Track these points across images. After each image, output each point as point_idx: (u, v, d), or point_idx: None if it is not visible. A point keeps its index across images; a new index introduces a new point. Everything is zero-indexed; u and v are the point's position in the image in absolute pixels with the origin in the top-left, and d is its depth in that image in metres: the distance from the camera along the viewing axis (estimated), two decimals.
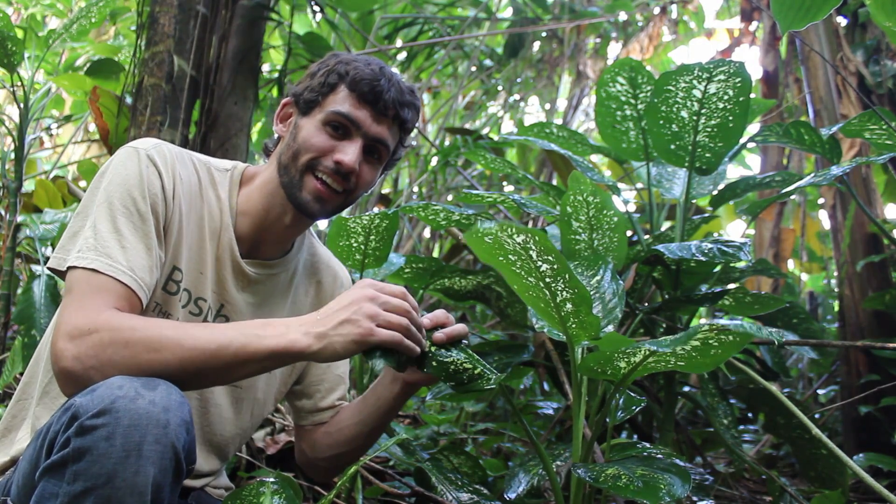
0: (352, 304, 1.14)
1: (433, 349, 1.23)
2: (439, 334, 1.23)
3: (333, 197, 1.32)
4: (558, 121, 5.44)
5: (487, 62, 5.34)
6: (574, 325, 1.28)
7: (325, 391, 1.51)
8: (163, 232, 1.25)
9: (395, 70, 1.37)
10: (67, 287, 1.15)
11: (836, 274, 3.34)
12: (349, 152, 1.30)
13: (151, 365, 1.06)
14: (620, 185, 2.92)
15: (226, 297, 1.35)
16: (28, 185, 3.36)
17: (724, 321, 1.09)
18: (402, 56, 4.85)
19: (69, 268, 1.16)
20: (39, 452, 1.05)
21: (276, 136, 1.43)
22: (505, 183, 5.06)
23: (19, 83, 2.42)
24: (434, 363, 1.23)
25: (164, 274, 1.27)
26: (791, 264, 5.18)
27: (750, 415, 3.20)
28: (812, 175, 2.03)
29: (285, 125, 1.38)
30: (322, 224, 4.68)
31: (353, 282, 1.68)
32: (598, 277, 1.61)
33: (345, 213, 1.73)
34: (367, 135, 1.31)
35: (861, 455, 2.40)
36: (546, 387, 3.08)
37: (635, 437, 2.24)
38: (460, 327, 1.25)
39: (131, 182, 1.21)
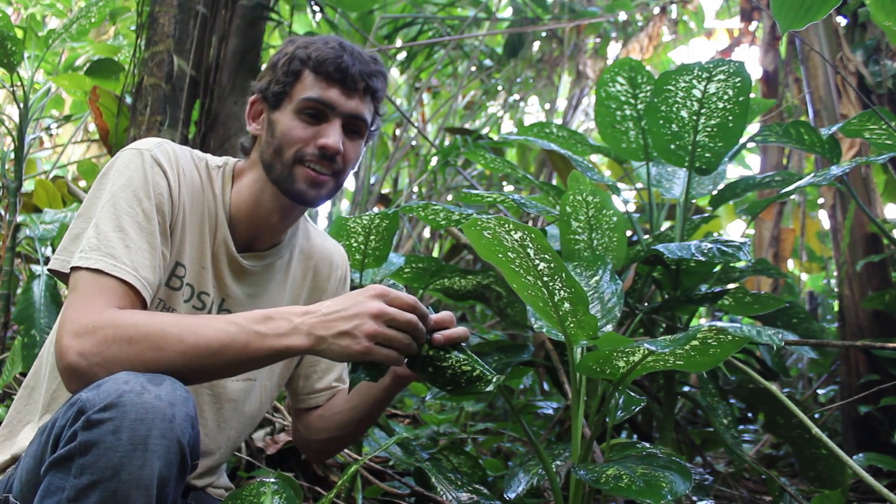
0: (355, 317, 1.13)
1: (431, 352, 1.21)
2: (438, 336, 1.21)
3: (326, 180, 1.32)
4: (558, 121, 5.44)
5: (487, 62, 5.34)
6: (572, 325, 1.28)
7: (320, 372, 1.53)
8: (168, 231, 1.26)
9: (351, 42, 1.37)
10: (71, 287, 1.16)
11: (835, 274, 3.34)
12: (330, 135, 1.29)
13: (156, 362, 1.07)
14: (620, 185, 2.92)
15: (226, 292, 1.37)
16: (28, 185, 3.36)
17: (723, 322, 1.09)
18: (402, 56, 4.85)
19: (73, 268, 1.17)
20: (45, 447, 1.06)
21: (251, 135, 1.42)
22: (505, 183, 5.06)
23: (19, 83, 2.42)
24: (430, 368, 1.21)
25: (168, 270, 1.28)
26: (791, 264, 5.18)
27: (750, 415, 3.20)
28: (812, 175, 2.03)
29: (258, 123, 1.37)
30: (322, 224, 4.68)
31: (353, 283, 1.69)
32: (596, 278, 1.61)
33: (345, 213, 1.73)
34: (343, 113, 1.31)
35: (861, 455, 2.40)
36: (546, 387, 3.08)
37: (635, 436, 2.24)
38: (461, 330, 1.24)
39: (136, 183, 1.22)
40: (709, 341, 1.13)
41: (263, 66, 1.42)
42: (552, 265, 1.18)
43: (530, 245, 1.16)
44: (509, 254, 1.20)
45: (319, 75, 1.30)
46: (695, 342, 1.14)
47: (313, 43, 1.33)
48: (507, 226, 1.15)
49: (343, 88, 1.30)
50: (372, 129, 1.39)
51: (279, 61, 1.33)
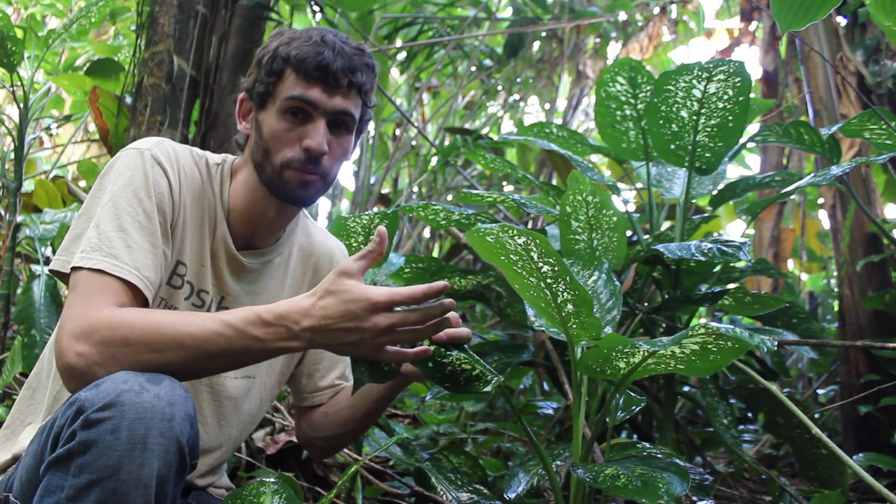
0: (358, 331, 1.11)
1: (432, 347, 1.21)
2: (440, 334, 1.21)
3: (314, 179, 1.31)
4: (558, 121, 5.44)
5: (487, 62, 5.34)
6: (574, 326, 1.28)
7: (323, 370, 1.52)
8: (169, 230, 1.26)
9: (337, 32, 1.34)
10: (72, 287, 1.16)
11: (835, 274, 3.34)
12: (314, 136, 1.28)
13: (154, 363, 1.08)
14: (620, 185, 2.92)
15: (225, 290, 1.36)
16: (28, 185, 3.36)
17: (721, 323, 1.10)
18: (402, 56, 4.86)
19: (73, 268, 1.17)
20: (44, 447, 1.06)
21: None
22: (505, 183, 5.06)
23: (19, 83, 2.42)
24: (430, 363, 1.22)
25: (169, 269, 1.29)
26: (791, 264, 5.18)
27: (750, 415, 3.20)
28: (812, 175, 2.03)
29: (248, 122, 1.36)
30: (322, 224, 4.68)
31: None
32: (594, 279, 1.61)
33: (345, 213, 1.73)
34: (327, 111, 1.29)
35: (861, 455, 2.40)
36: (546, 387, 3.08)
37: (635, 436, 2.24)
38: (464, 331, 1.24)
39: (137, 183, 1.22)
40: (709, 346, 1.13)
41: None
42: (556, 269, 1.18)
43: (534, 249, 1.16)
44: (512, 256, 1.20)
45: (300, 74, 1.27)
46: (695, 347, 1.14)
47: (296, 39, 1.30)
48: (510, 231, 1.15)
49: (325, 86, 1.28)
50: (364, 119, 1.38)
51: (263, 58, 1.32)
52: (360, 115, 1.35)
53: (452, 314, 1.22)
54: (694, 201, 2.36)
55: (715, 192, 2.22)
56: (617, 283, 1.59)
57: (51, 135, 5.20)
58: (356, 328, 1.11)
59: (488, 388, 1.19)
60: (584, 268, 1.66)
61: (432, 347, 1.22)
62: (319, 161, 1.29)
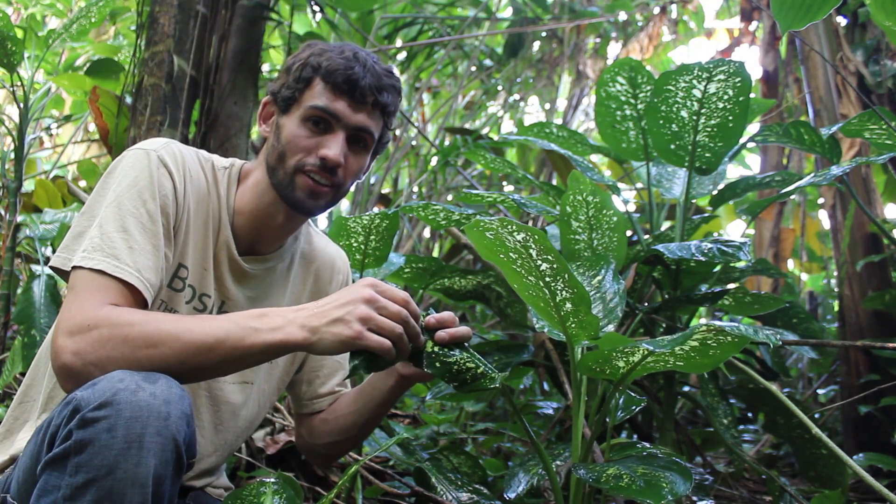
0: (347, 304, 1.13)
1: (436, 349, 1.21)
2: (442, 333, 1.21)
3: (325, 191, 1.31)
4: (558, 121, 5.44)
5: (487, 62, 5.34)
6: (573, 325, 1.28)
7: (323, 377, 1.52)
8: (172, 233, 1.26)
9: (370, 52, 1.36)
10: (71, 285, 1.16)
11: (836, 274, 3.34)
12: (332, 146, 1.28)
13: (150, 359, 1.07)
14: (620, 185, 2.92)
15: (226, 294, 1.36)
16: (28, 185, 3.36)
17: (722, 322, 1.10)
18: (402, 56, 4.86)
19: (74, 267, 1.16)
20: (41, 447, 1.05)
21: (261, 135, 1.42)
22: (505, 183, 5.06)
23: (19, 83, 2.42)
24: (437, 364, 1.22)
25: (170, 272, 1.28)
26: (791, 264, 5.18)
27: (750, 415, 3.20)
28: (812, 175, 2.04)
29: (268, 125, 1.37)
30: (322, 224, 4.68)
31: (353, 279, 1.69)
32: (599, 277, 1.61)
33: (345, 213, 1.73)
34: (349, 125, 1.30)
35: (861, 455, 2.40)
36: (546, 387, 3.09)
37: (635, 436, 2.24)
38: (464, 329, 1.23)
39: (142, 184, 1.22)
40: (708, 342, 1.13)
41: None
42: (555, 266, 1.18)
43: (533, 246, 1.16)
44: (511, 254, 1.20)
45: (328, 85, 1.29)
46: (695, 343, 1.14)
47: (329, 50, 1.32)
48: (509, 227, 1.15)
49: (351, 101, 1.29)
50: (383, 141, 1.38)
51: (293, 65, 1.33)
52: (380, 135, 1.36)
53: (449, 314, 1.23)
54: (694, 201, 2.36)
55: (715, 192, 2.22)
56: (622, 282, 1.59)
57: (51, 135, 5.20)
58: (347, 301, 1.13)
59: (494, 385, 1.19)
60: (590, 268, 1.66)
61: (436, 348, 1.22)
62: (335, 172, 1.30)
